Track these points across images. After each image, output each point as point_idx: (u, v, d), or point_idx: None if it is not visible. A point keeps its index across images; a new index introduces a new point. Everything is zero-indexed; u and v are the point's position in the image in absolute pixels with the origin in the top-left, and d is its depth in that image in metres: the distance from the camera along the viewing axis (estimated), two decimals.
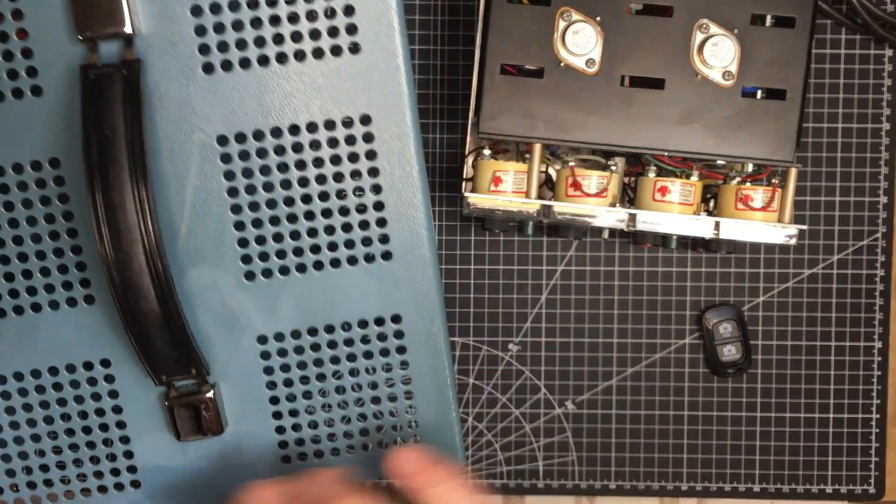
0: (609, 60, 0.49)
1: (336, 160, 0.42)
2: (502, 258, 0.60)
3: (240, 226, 0.42)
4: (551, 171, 0.54)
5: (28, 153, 0.41)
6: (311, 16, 0.40)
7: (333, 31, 0.40)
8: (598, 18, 0.49)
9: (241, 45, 0.40)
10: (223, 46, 0.40)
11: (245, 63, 0.40)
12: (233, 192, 0.42)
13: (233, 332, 0.44)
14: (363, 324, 0.44)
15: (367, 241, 0.43)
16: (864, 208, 0.59)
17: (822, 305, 0.59)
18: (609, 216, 0.50)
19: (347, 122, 0.41)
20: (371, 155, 0.42)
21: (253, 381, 0.45)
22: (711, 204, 0.53)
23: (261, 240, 0.42)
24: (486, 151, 0.51)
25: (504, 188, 0.50)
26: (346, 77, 0.41)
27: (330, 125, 0.41)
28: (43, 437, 0.45)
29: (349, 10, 0.40)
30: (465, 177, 0.54)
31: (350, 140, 0.41)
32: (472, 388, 0.59)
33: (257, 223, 0.42)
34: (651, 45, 0.49)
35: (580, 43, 0.48)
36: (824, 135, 0.58)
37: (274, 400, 0.45)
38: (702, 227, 0.51)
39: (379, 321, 0.44)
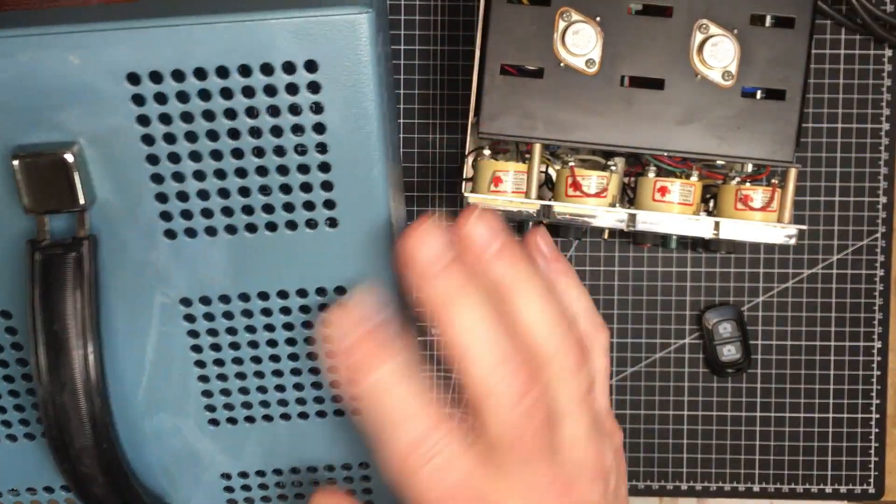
0: (609, 60, 0.49)
1: (308, 325, 0.40)
2: None
3: (204, 378, 0.41)
4: (551, 171, 0.54)
5: None
6: (286, 189, 0.37)
7: (309, 205, 0.37)
8: (598, 19, 0.49)
9: (207, 213, 0.37)
10: (187, 214, 0.37)
11: (211, 231, 0.37)
12: (196, 348, 0.40)
13: (195, 469, 0.43)
14: (330, 468, 0.44)
15: (337, 398, 0.42)
16: (864, 208, 0.59)
17: (821, 305, 0.59)
18: (609, 216, 0.50)
19: (321, 291, 0.39)
20: None
21: None
22: (711, 204, 0.53)
23: (226, 392, 0.41)
24: (486, 151, 0.51)
25: (504, 188, 0.50)
26: (322, 250, 0.38)
27: (302, 294, 0.39)
28: None
29: (327, 186, 0.37)
30: (464, 177, 0.54)
31: (324, 308, 0.40)
32: None
33: (222, 377, 0.41)
34: (651, 46, 0.49)
35: (580, 43, 0.48)
36: (824, 135, 0.58)
37: None
38: (701, 227, 0.51)
39: (346, 466, 0.44)
